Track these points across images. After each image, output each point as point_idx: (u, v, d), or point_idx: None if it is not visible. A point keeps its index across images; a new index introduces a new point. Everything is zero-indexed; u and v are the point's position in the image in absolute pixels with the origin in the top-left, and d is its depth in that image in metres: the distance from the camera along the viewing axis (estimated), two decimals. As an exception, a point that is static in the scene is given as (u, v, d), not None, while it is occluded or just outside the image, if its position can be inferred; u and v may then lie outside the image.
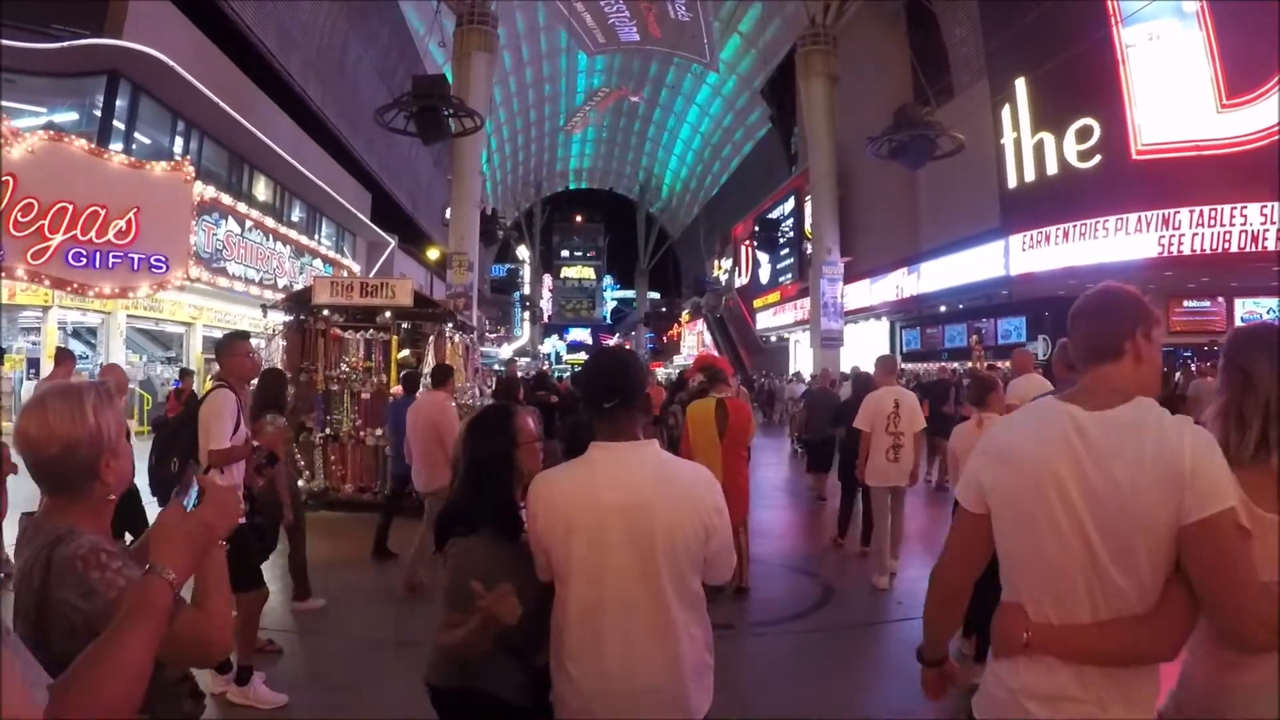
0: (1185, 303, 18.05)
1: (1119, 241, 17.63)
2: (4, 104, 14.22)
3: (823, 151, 25.06)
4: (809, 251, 28.73)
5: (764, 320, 40.48)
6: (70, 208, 14.21)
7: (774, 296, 38.90)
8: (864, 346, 27.67)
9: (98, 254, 14.70)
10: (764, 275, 41.04)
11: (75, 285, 14.35)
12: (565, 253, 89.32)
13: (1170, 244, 16.61)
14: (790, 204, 36.83)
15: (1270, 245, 15.12)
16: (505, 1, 30.93)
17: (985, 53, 22.80)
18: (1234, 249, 15.65)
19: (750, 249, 43.37)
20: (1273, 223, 15.21)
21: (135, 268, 15.36)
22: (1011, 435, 2.00)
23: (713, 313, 47.93)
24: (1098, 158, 18.14)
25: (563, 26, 40.38)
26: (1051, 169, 19.34)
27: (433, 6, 24.43)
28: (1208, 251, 16.02)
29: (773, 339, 40.30)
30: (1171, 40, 16.65)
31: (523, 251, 70.33)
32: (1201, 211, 16.12)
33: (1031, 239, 20.06)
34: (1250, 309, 16.79)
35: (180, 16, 19.00)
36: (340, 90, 29.68)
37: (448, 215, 24.37)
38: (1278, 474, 1.86)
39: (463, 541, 2.55)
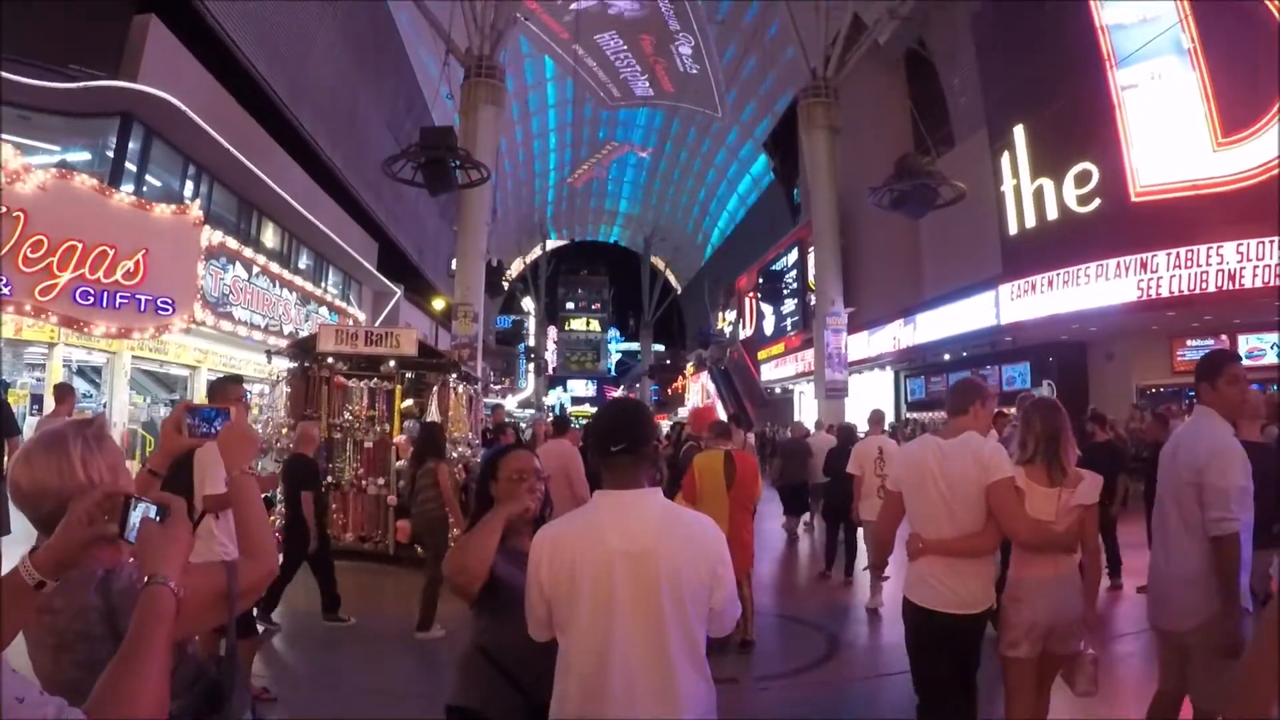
0: (1188, 342, 18.03)
1: (1099, 287, 17.75)
2: (19, 141, 14.38)
3: (825, 202, 25.18)
4: (813, 303, 28.76)
5: (768, 372, 40.47)
6: (79, 246, 14.24)
7: (778, 348, 38.93)
8: (868, 397, 27.64)
9: (105, 294, 14.69)
10: (768, 327, 41.11)
11: (81, 323, 14.36)
12: (570, 305, 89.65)
13: (1148, 287, 16.70)
14: (794, 255, 37.00)
15: (1247, 283, 15.15)
16: (529, 54, 31.57)
17: (984, 101, 23.09)
18: (1211, 289, 15.71)
19: (754, 301, 43.50)
20: (1249, 260, 15.22)
21: (142, 309, 15.35)
22: (909, 452, 4.23)
23: (717, 365, 47.93)
24: (1097, 201, 18.33)
25: (569, 76, 40.95)
26: (1052, 214, 19.50)
27: (441, 59, 24.78)
28: (1185, 293, 16.10)
29: (777, 390, 40.25)
30: (1172, 79, 16.84)
31: (528, 303, 70.61)
32: (1178, 254, 16.25)
33: (1019, 288, 20.21)
34: (1254, 345, 16.72)
35: (195, 62, 19.30)
36: (349, 140, 30.02)
37: (453, 266, 24.43)
38: (1045, 469, 3.81)
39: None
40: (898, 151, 21.80)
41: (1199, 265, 15.94)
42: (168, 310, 15.84)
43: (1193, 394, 13.83)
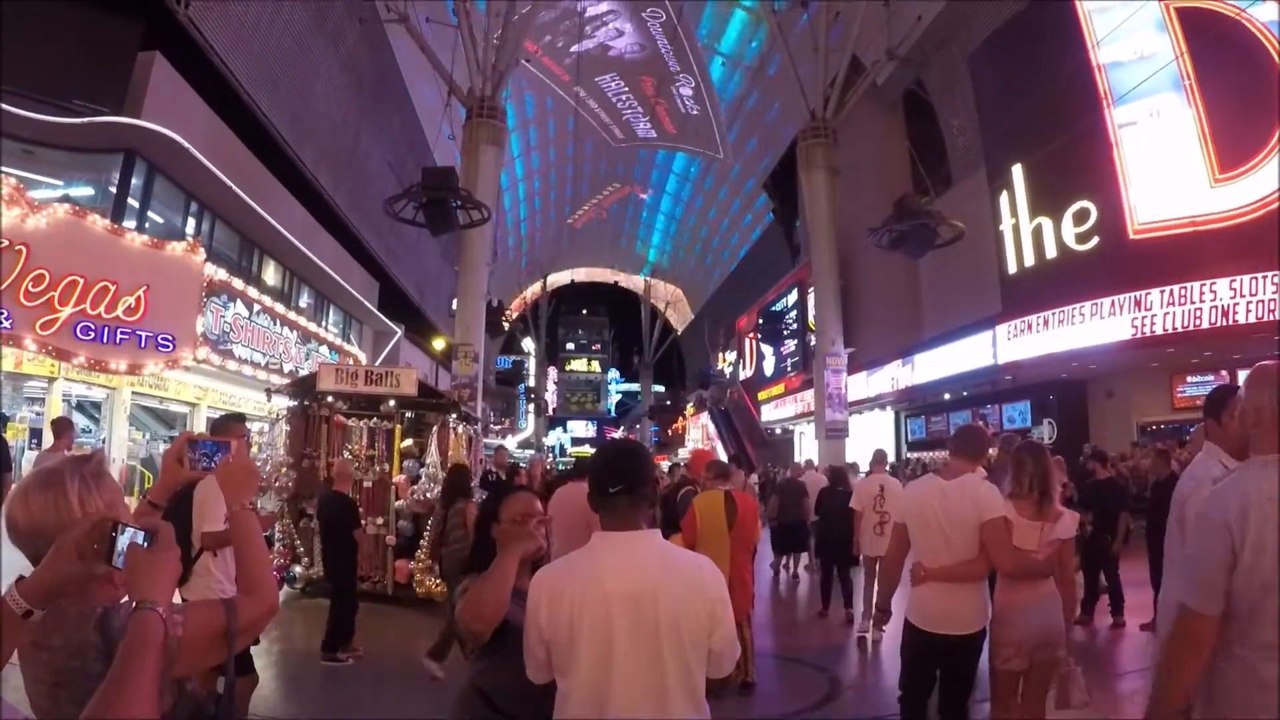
0: (1188, 378, 18.01)
1: (1094, 326, 17.75)
2: (22, 175, 14.46)
3: (825, 242, 25.24)
4: (813, 343, 28.78)
5: (768, 413, 40.41)
6: (81, 281, 14.24)
7: (778, 389, 38.90)
8: (869, 437, 27.59)
9: (106, 329, 14.68)
10: (768, 367, 41.13)
11: (81, 358, 14.37)
12: (570, 346, 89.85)
13: (1143, 325, 16.70)
14: (793, 296, 37.09)
15: (1240, 319, 15.17)
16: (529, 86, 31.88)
17: (982, 140, 23.24)
18: (1205, 325, 15.69)
19: (754, 341, 43.56)
20: (1242, 296, 15.23)
21: (142, 345, 15.33)
22: (915, 490, 4.79)
23: (717, 405, 47.89)
24: (1095, 239, 18.36)
25: (572, 115, 41.22)
26: (1051, 253, 19.53)
27: (443, 99, 24.98)
28: (1179, 330, 16.10)
29: (778, 431, 40.17)
30: (1171, 115, 16.94)
31: (528, 344, 70.70)
32: (1171, 291, 16.24)
33: (1015, 328, 20.24)
34: None
35: (198, 100, 19.47)
36: (351, 179, 30.20)
37: (454, 306, 24.46)
38: (1035, 504, 4.34)
39: (475, 579, 2.76)
40: (897, 191, 21.94)
41: (1192, 302, 15.95)
42: (168, 347, 15.84)
43: (1192, 430, 13.82)
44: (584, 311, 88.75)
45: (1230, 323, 15.37)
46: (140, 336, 15.29)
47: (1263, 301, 14.91)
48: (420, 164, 28.76)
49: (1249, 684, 2.24)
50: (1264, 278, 14.86)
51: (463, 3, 22.95)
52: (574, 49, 36.88)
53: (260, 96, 22.00)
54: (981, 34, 22.32)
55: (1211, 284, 15.64)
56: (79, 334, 14.27)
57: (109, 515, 1.67)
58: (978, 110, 23.38)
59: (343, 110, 28.51)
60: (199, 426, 18.76)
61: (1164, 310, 16.37)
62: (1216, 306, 15.58)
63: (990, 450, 7.38)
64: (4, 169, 13.78)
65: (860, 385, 28.26)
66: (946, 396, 25.49)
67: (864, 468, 13.53)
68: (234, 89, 20.90)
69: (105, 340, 14.69)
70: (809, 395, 30.00)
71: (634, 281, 70.93)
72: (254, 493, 2.02)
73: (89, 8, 16.72)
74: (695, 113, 41.22)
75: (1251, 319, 15.04)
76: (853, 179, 27.01)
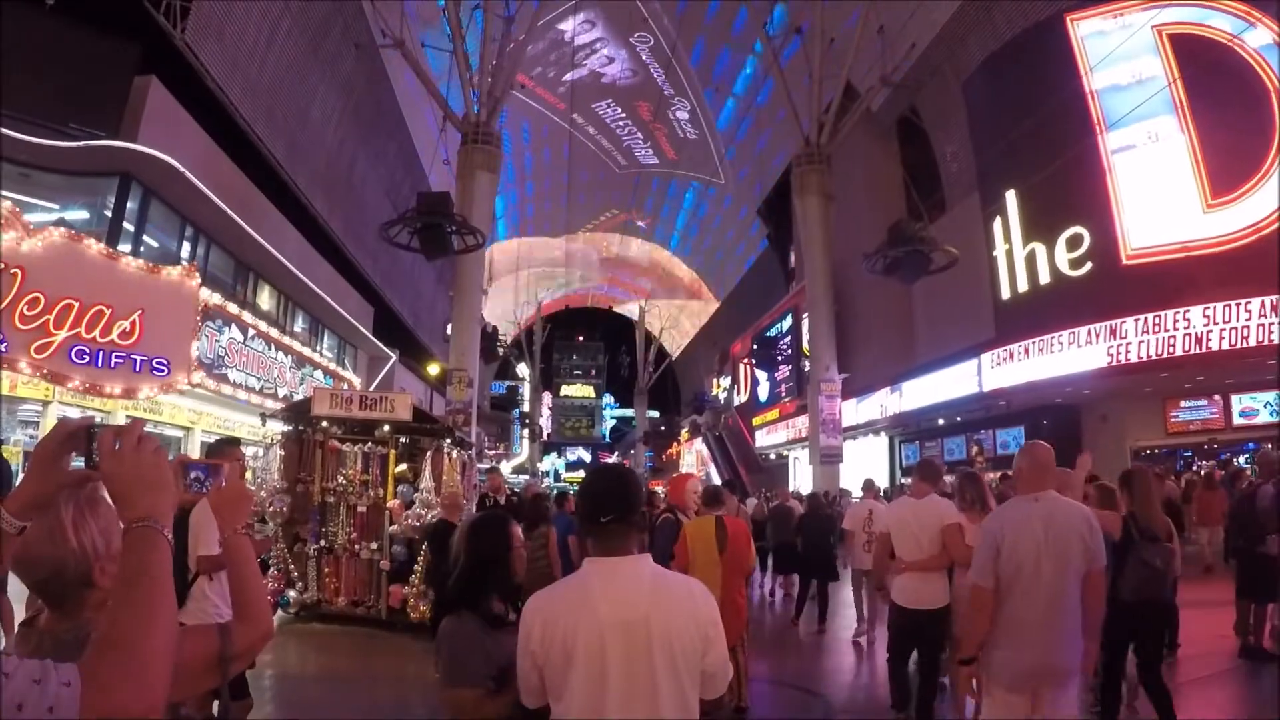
0: (1182, 403, 18.03)
1: (1073, 354, 17.86)
2: (18, 199, 14.43)
3: (819, 268, 25.37)
4: (807, 368, 28.82)
5: (763, 438, 40.38)
6: (76, 305, 14.25)
7: (773, 414, 38.89)
8: (863, 462, 27.61)
9: (101, 353, 14.68)
10: (763, 393, 41.11)
11: (76, 382, 14.33)
12: (565, 371, 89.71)
13: (1118, 353, 16.78)
14: (788, 321, 37.14)
15: (1214, 346, 15.22)
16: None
17: (975, 166, 23.33)
18: (1179, 352, 15.76)
19: (749, 367, 43.56)
20: (1215, 324, 15.30)
21: (137, 369, 15.33)
22: (896, 508, 6.79)
23: (712, 431, 47.79)
24: (1089, 265, 18.41)
25: (566, 140, 41.36)
26: (1044, 278, 19.58)
27: (439, 125, 25.09)
28: (1153, 358, 16.17)
29: (772, 456, 40.13)
30: (1169, 139, 17.03)
31: (522, 369, 70.61)
32: (1145, 319, 16.35)
33: (999, 356, 20.38)
34: (1247, 404, 16.73)
35: (193, 124, 19.55)
36: (346, 204, 30.27)
37: (449, 331, 24.49)
38: (978, 514, 5.69)
39: (456, 621, 2.77)
40: (891, 217, 22.06)
41: (1166, 330, 16.04)
42: (163, 371, 15.83)
43: (1188, 454, 13.93)
44: (579, 337, 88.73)
45: (1204, 350, 15.42)
46: (135, 361, 15.29)
47: (1236, 328, 14.97)
48: (416, 189, 28.86)
49: (1007, 619, 4.06)
50: (1238, 305, 14.94)
51: (459, 28, 23.10)
52: (567, 78, 37.06)
53: (256, 121, 22.08)
54: (975, 60, 22.49)
55: (1185, 312, 15.75)
56: (74, 358, 14.26)
57: (86, 420, 1.66)
58: (971, 136, 23.50)
59: (339, 135, 28.61)
60: (194, 450, 18.74)
61: (1139, 338, 16.46)
62: (1190, 334, 15.66)
63: (948, 476, 8.25)
64: (0, 192, 13.79)
65: (850, 412, 28.28)
66: (940, 422, 25.51)
67: (857, 493, 14.70)
68: (230, 114, 20.96)
69: (100, 364, 14.68)
70: (803, 421, 30.02)
71: (629, 307, 70.97)
72: (247, 517, 2.01)
73: (86, 31, 16.78)
74: (693, 136, 41.39)
75: (1225, 346, 15.10)
76: (847, 205, 27.16)
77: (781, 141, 34.29)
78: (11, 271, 13.36)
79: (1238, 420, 16.69)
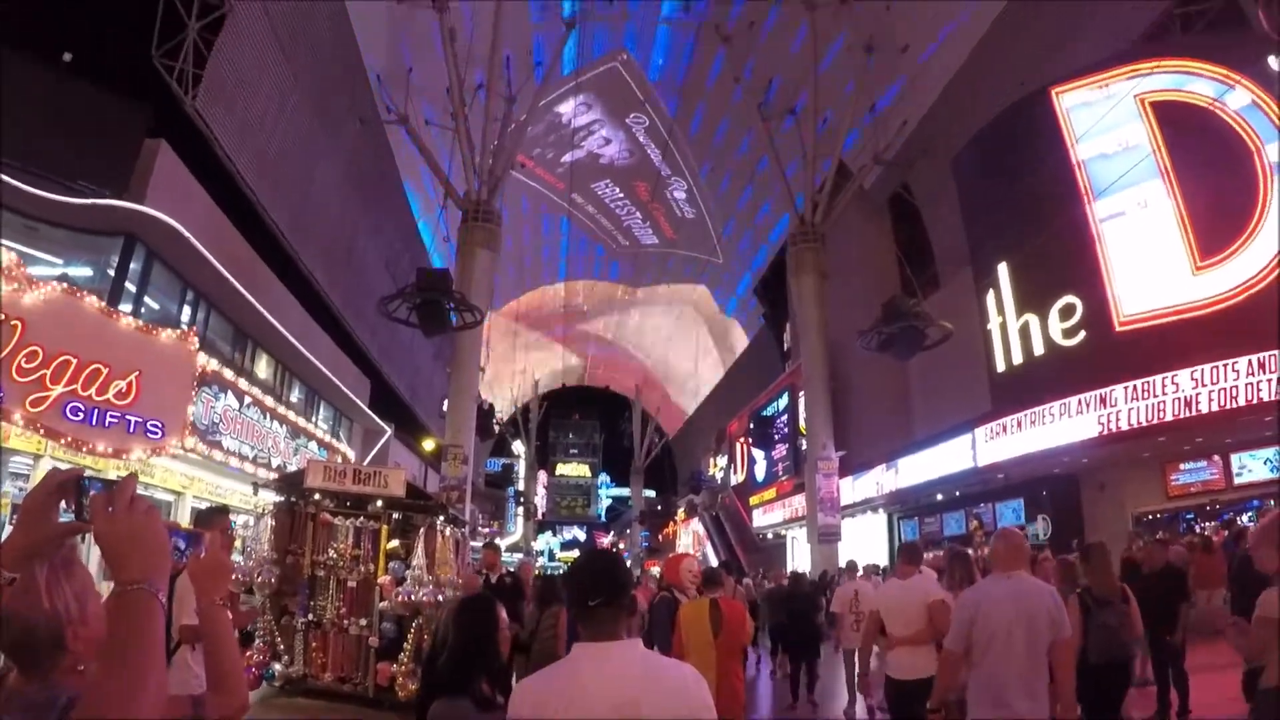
0: (1182, 466, 17.86)
1: (1064, 425, 17.81)
2: (23, 250, 14.54)
3: (815, 346, 25.50)
4: (804, 447, 28.72)
5: (760, 517, 40.04)
6: (74, 361, 14.22)
7: (770, 493, 38.62)
8: (862, 540, 27.37)
9: (95, 411, 14.61)
10: (760, 472, 40.88)
11: (69, 439, 14.23)
12: (561, 449, 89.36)
13: (1108, 421, 16.74)
14: (784, 400, 37.11)
15: (1203, 408, 15.16)
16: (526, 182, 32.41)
17: (967, 241, 23.56)
18: (1169, 417, 15.70)
19: (745, 446, 43.38)
20: (1204, 386, 15.27)
21: (131, 430, 15.26)
22: (883, 589, 7.78)
23: (708, 511, 47.46)
24: (1082, 334, 18.49)
25: (565, 215, 41.81)
26: (1039, 349, 19.64)
27: (439, 202, 25.40)
28: (1144, 424, 16.12)
29: (769, 536, 39.77)
30: (1158, 204, 17.21)
31: (518, 447, 70.36)
32: (1134, 386, 16.33)
33: (992, 430, 20.33)
34: (1246, 463, 16.57)
35: (200, 190, 19.80)
36: (347, 276, 30.48)
37: (445, 407, 24.46)
38: (957, 594, 5.83)
39: (448, 705, 2.82)
40: (885, 293, 22.25)
41: (1155, 395, 16.00)
42: (157, 434, 15.77)
43: (1190, 517, 13.80)
44: (575, 415, 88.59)
45: (1194, 413, 15.37)
46: (129, 421, 15.23)
47: (1225, 389, 14.95)
48: (416, 264, 29.17)
49: (986, 681, 4.70)
50: (1225, 365, 14.94)
51: (461, 107, 23.51)
52: (565, 159, 37.62)
53: (261, 190, 22.39)
54: (964, 136, 22.87)
55: (1173, 376, 15.73)
56: (68, 414, 14.19)
57: (76, 471, 1.64)
58: (962, 211, 23.80)
59: (341, 207, 28.96)
60: (183, 516, 18.56)
61: (1128, 405, 16.42)
62: (1179, 398, 15.62)
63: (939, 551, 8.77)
64: (5, 243, 13.84)
65: (847, 490, 28.11)
66: (939, 497, 25.33)
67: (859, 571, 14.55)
68: (236, 181, 21.32)
69: (94, 422, 14.61)
70: (800, 500, 29.86)
71: (626, 385, 71.08)
72: (226, 588, 1.96)
73: (100, 91, 17.15)
74: (691, 216, 41.86)
75: (1215, 407, 15.06)
76: (842, 282, 27.40)
77: (776, 221, 34.75)
78: (12, 323, 13.36)
79: (1238, 479, 16.56)
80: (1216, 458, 16.94)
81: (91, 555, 11.20)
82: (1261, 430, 14.98)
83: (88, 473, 1.67)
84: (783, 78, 28.57)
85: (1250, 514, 15.58)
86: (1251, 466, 16.31)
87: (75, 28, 20.41)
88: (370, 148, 27.92)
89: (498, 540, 50.12)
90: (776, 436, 38.34)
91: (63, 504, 1.67)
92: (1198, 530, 16.14)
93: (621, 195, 41.52)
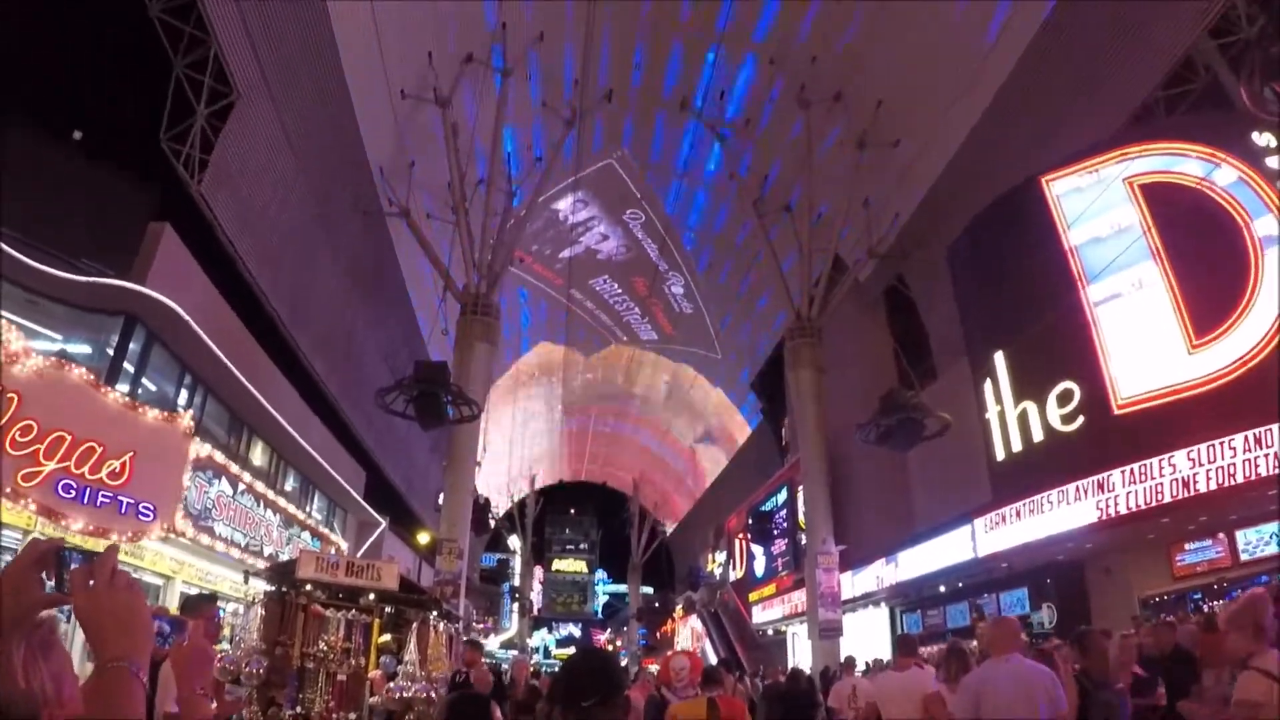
0: (1187, 545, 17.57)
1: (1062, 512, 17.68)
2: (23, 323, 14.61)
3: (813, 440, 25.44)
4: (803, 542, 28.44)
5: (760, 614, 39.42)
6: (68, 438, 14.14)
7: (769, 589, 38.10)
8: (864, 634, 26.92)
9: (88, 490, 14.49)
10: (759, 568, 40.40)
11: (60, 516, 14.05)
12: (557, 545, 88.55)
13: (1107, 506, 16.59)
14: (783, 495, 36.87)
15: (1200, 488, 15.00)
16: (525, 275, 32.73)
17: (963, 332, 23.69)
18: (1167, 499, 15.54)
19: (744, 541, 42.97)
20: (1201, 465, 15.11)
21: (123, 511, 15.13)
22: (880, 681, 9.01)
23: (707, 607, 46.79)
24: (1081, 419, 18.39)
25: (564, 311, 42.10)
26: (1037, 436, 19.53)
27: (439, 295, 25.60)
28: (1142, 507, 15.95)
29: (770, 632, 39.12)
30: (1154, 285, 17.28)
31: (514, 542, 69.74)
32: (1131, 470, 16.20)
33: (991, 521, 20.18)
34: (1251, 539, 16.28)
35: (201, 274, 20.06)
36: (345, 366, 30.56)
37: (441, 500, 24.31)
38: (952, 688, 6.35)
39: None
40: (883, 386, 22.29)
41: (1152, 478, 15.84)
42: (148, 516, 15.63)
43: (1198, 596, 13.51)
44: (572, 511, 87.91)
45: (1191, 493, 15.19)
46: (122, 502, 15.12)
47: (1222, 467, 14.80)
48: (414, 356, 29.26)
49: None
50: (1222, 443, 14.84)
51: (462, 202, 23.88)
52: (564, 254, 38.06)
53: (263, 277, 22.61)
54: (957, 227, 23.20)
55: (1170, 458, 15.61)
56: (60, 491, 14.09)
57: (57, 542, 1.60)
58: (957, 302, 23.98)
59: (341, 297, 29.19)
60: (172, 600, 18.27)
61: (1126, 489, 16.28)
62: (1176, 479, 15.45)
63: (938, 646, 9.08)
64: (5, 315, 13.87)
65: (847, 584, 27.75)
66: (942, 589, 24.96)
67: (859, 665, 15.47)
68: (237, 267, 21.52)
69: (86, 501, 14.49)
70: (800, 596, 29.44)
71: (623, 481, 70.77)
72: (209, 677, 1.91)
73: (108, 171, 17.46)
74: (689, 311, 42.13)
75: (1213, 486, 14.88)
76: (839, 375, 27.48)
77: (776, 311, 34.96)
78: (8, 395, 13.32)
79: (1244, 556, 16.29)
80: (1221, 535, 16.69)
81: (75, 639, 11.01)
82: (1265, 505, 14.82)
83: (69, 543, 1.64)
84: (778, 173, 29.10)
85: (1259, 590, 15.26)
86: (1257, 542, 16.10)
87: (87, 107, 20.79)
88: (371, 239, 28.26)
89: (479, 638, 49.35)
90: (775, 531, 37.98)
91: (44, 575, 1.64)
92: (1205, 610, 15.85)
93: (620, 291, 41.87)
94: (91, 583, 1.53)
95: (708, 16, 24.86)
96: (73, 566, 1.60)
